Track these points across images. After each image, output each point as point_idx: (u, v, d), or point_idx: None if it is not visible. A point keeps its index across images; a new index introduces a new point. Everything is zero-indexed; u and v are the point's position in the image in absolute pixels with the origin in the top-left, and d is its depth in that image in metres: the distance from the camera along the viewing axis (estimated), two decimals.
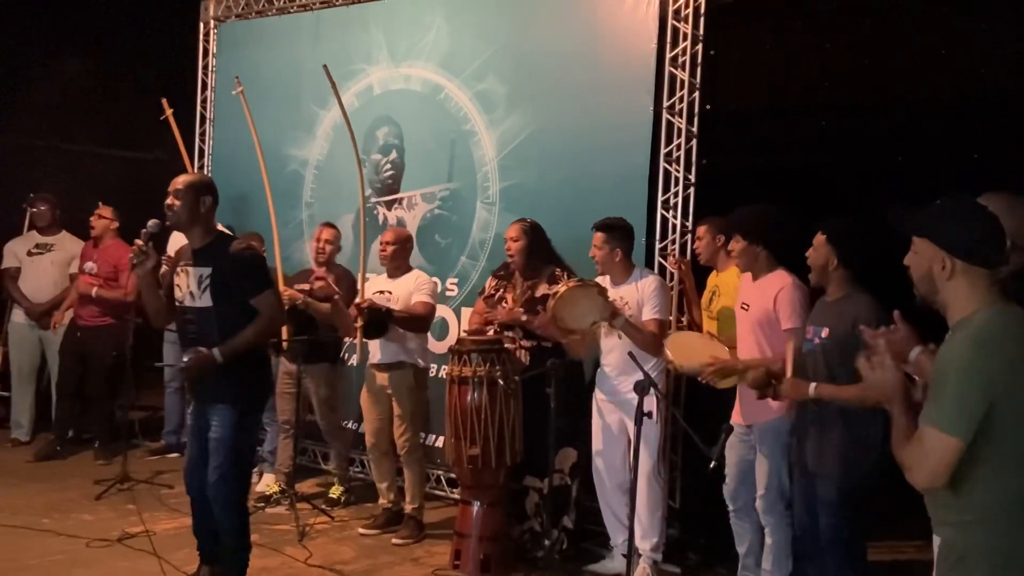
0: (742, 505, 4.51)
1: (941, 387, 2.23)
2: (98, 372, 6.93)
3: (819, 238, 3.96)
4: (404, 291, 5.47)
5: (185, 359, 4.11)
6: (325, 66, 6.08)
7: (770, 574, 4.42)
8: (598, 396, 4.95)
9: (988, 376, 2.19)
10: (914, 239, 2.41)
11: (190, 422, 4.46)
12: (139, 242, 4.17)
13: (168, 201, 4.16)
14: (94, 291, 6.86)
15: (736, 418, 4.42)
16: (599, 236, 4.86)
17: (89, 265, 6.96)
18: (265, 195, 6.25)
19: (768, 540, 4.42)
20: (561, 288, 4.65)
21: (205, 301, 4.13)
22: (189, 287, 4.17)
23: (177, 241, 6.93)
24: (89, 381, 7.01)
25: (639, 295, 4.80)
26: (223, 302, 4.11)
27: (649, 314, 4.76)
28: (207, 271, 4.13)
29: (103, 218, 7.01)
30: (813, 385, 3.75)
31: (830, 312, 3.93)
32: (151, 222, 4.25)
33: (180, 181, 4.21)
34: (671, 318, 5.15)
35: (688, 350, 4.41)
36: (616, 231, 4.89)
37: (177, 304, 4.26)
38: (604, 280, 4.92)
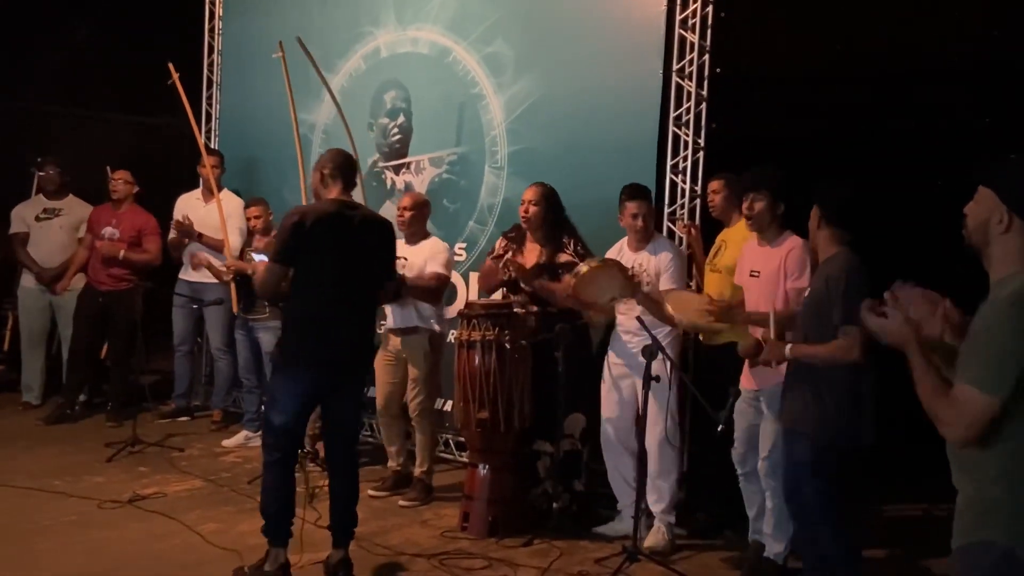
0: (751, 469, 4.51)
1: (980, 345, 2.24)
2: (120, 336, 6.91)
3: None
4: (420, 258, 5.42)
5: None
6: (299, 38, 6.20)
7: (772, 538, 4.43)
8: (611, 359, 4.95)
9: None
10: (979, 188, 2.39)
11: None
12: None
13: None
14: (121, 254, 6.82)
15: (745, 383, 4.43)
16: (641, 204, 4.80)
17: (109, 230, 6.91)
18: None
19: (768, 504, 4.42)
20: (583, 268, 4.61)
21: None
22: None
23: (184, 206, 6.96)
24: (111, 345, 7.04)
25: (657, 263, 4.80)
26: None
27: (667, 283, 4.75)
28: None
29: (127, 183, 7.01)
30: (789, 346, 3.77)
31: (816, 274, 3.92)
32: None
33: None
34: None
35: (686, 306, 4.47)
36: (649, 196, 4.92)
37: None
38: (621, 246, 4.91)
